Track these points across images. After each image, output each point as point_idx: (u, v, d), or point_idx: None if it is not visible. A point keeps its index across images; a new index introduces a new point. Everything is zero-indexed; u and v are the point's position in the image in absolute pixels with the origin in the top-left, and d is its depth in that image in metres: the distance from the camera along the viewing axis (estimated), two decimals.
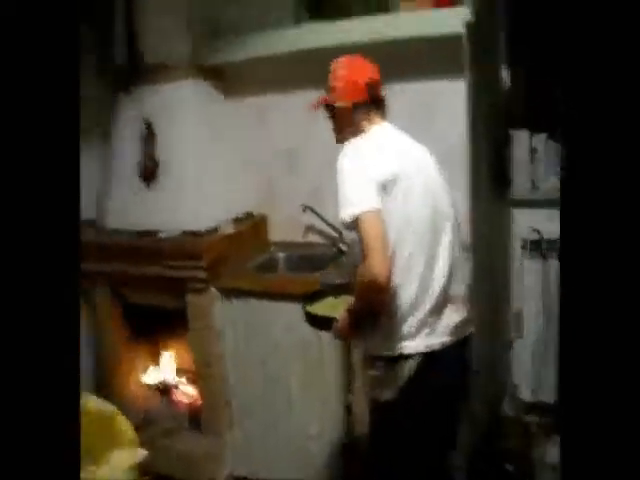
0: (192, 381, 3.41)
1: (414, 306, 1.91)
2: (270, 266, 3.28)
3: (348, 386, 2.82)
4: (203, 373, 3.16)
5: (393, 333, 1.92)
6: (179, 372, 3.58)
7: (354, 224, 1.81)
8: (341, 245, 3.16)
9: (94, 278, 3.37)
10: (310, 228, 3.36)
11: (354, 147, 1.96)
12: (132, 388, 3.58)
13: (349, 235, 2.05)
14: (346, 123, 2.11)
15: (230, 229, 3.15)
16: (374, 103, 2.10)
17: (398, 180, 1.87)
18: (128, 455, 1.73)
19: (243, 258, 3.19)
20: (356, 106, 2.07)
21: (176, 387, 3.54)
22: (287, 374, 2.96)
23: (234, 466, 3.20)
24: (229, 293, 3.04)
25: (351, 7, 2.98)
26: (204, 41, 3.23)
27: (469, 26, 2.32)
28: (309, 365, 2.88)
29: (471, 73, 2.36)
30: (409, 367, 1.91)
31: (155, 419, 3.41)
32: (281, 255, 3.36)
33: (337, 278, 2.71)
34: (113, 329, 3.46)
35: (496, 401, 2.93)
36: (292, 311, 2.82)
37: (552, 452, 2.71)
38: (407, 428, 1.95)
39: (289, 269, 3.31)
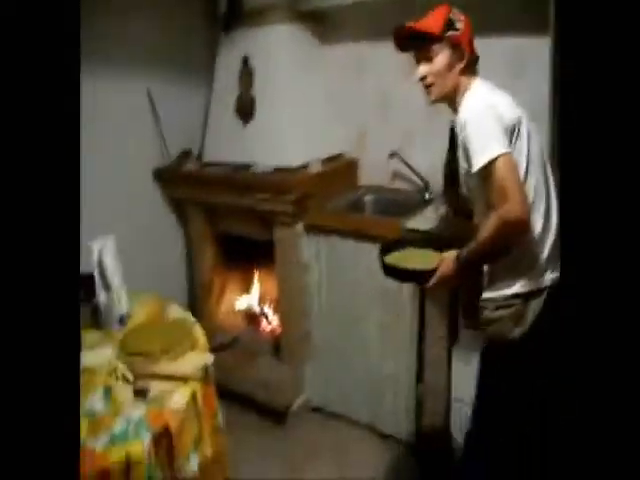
0: (277, 311, 3.55)
1: (543, 241, 1.96)
2: (356, 207, 3.35)
3: (421, 333, 2.90)
4: (286, 304, 3.31)
5: (525, 269, 1.96)
6: (266, 301, 3.75)
7: (489, 169, 1.82)
8: (426, 194, 3.20)
9: (191, 205, 3.57)
10: (397, 174, 3.40)
11: (476, 96, 1.98)
12: (223, 311, 3.80)
13: (470, 182, 2.07)
14: (451, 75, 2.05)
15: (319, 168, 3.21)
16: (474, 57, 2.10)
17: (522, 121, 1.93)
18: (199, 357, 1.94)
19: (331, 197, 3.28)
20: (465, 56, 2.03)
21: (263, 315, 3.72)
22: (366, 314, 3.06)
23: (310, 396, 3.38)
24: (315, 229, 3.15)
25: None
26: None
27: None
28: (387, 309, 2.97)
29: (556, 29, 2.32)
30: (538, 303, 1.96)
31: (241, 343, 3.61)
32: (368, 198, 3.42)
33: (424, 224, 2.76)
34: (206, 253, 3.65)
35: None
36: (374, 253, 2.90)
37: None
38: (532, 366, 2.01)
39: (375, 212, 3.38)
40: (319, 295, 3.21)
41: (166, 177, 3.58)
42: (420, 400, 2.97)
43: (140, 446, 1.55)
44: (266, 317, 3.71)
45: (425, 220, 2.84)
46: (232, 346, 3.56)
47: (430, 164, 3.17)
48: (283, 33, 3.30)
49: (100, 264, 2.19)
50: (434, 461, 2.92)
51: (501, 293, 2.00)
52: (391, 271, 2.23)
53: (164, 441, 1.65)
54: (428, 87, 2.09)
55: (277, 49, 3.32)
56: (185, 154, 3.64)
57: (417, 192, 3.28)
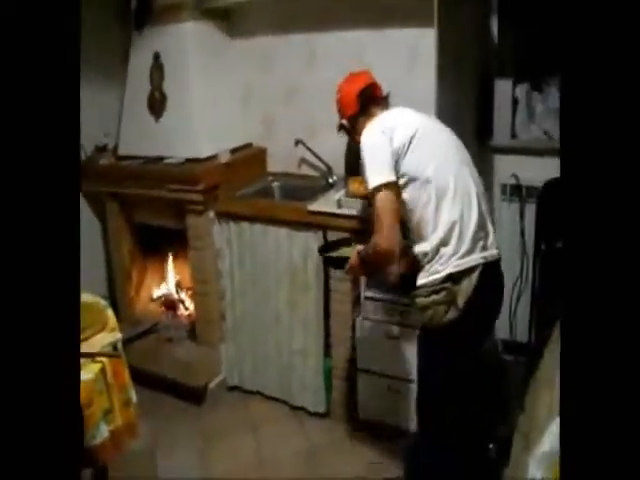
0: (192, 296, 3.70)
1: (464, 227, 2.11)
2: (266, 193, 3.52)
3: (327, 308, 3.10)
4: (201, 289, 3.46)
5: (450, 256, 2.10)
6: (183, 288, 3.89)
7: (373, 195, 2.12)
8: (330, 178, 3.39)
9: (107, 198, 3.68)
10: (304, 161, 3.59)
11: (370, 128, 2.25)
12: (142, 300, 3.93)
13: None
14: (354, 130, 2.42)
15: (228, 158, 3.37)
16: (373, 104, 2.40)
17: (416, 134, 2.16)
18: (109, 336, 2.10)
19: (241, 185, 3.44)
20: (353, 116, 2.41)
21: (180, 301, 3.86)
22: (276, 293, 3.23)
23: (227, 375, 3.54)
24: (225, 216, 3.31)
25: None
26: None
27: None
28: (295, 286, 3.15)
29: (440, 23, 2.51)
30: (468, 284, 2.08)
31: (160, 329, 3.75)
32: (276, 184, 3.60)
33: (325, 206, 2.98)
34: (123, 244, 3.77)
35: None
36: (281, 235, 3.10)
37: None
38: (463, 345, 2.16)
39: (283, 197, 3.56)
40: (231, 278, 3.37)
41: (82, 171, 3.67)
42: (328, 373, 3.17)
43: None
44: (183, 303, 3.84)
45: (326, 202, 3.03)
46: (151, 333, 3.69)
47: (333, 150, 3.38)
48: (191, 29, 3.43)
49: None
50: (344, 429, 3.14)
51: (431, 279, 2.12)
52: (326, 260, 2.63)
53: None
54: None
55: (185, 45, 3.45)
56: (100, 149, 3.75)
57: (322, 177, 3.47)
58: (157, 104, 3.52)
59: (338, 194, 3.03)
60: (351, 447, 3.01)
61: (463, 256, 2.08)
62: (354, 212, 2.85)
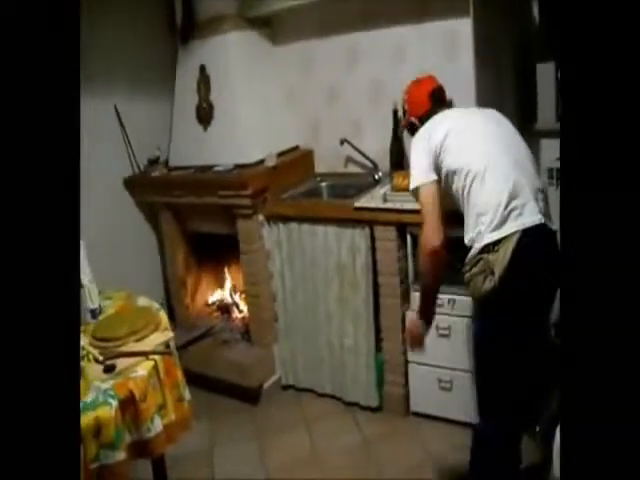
0: (245, 299, 3.76)
1: (493, 202, 2.11)
2: (314, 194, 3.59)
3: (376, 304, 3.14)
4: (253, 291, 3.53)
5: (484, 228, 2.11)
6: (237, 291, 3.97)
7: (416, 194, 2.30)
8: (376, 175, 3.43)
9: (161, 208, 3.80)
10: (350, 159, 3.64)
11: (419, 130, 2.43)
12: (198, 305, 4.03)
13: None
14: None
15: (274, 161, 3.43)
16: (439, 106, 2.52)
17: (449, 133, 2.27)
18: (161, 336, 2.19)
19: (289, 187, 3.51)
20: (424, 116, 2.49)
21: (234, 304, 3.94)
22: (325, 291, 3.28)
23: (281, 375, 3.61)
24: (273, 218, 3.38)
25: None
26: None
27: None
28: (344, 283, 3.19)
29: (476, 11, 2.53)
30: (503, 255, 2.04)
31: (216, 333, 3.83)
32: (324, 184, 3.66)
33: (370, 202, 3.01)
34: (178, 251, 3.87)
35: None
36: (329, 233, 3.16)
37: None
38: (511, 315, 2.12)
39: (331, 196, 3.62)
40: (282, 279, 3.43)
41: (136, 184, 3.81)
42: (380, 367, 3.19)
43: (108, 410, 1.77)
44: (237, 306, 3.92)
45: (372, 198, 3.07)
46: (207, 336, 3.78)
47: (378, 147, 3.44)
48: (234, 39, 3.53)
49: None
50: (397, 422, 3.16)
51: (470, 254, 2.15)
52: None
53: (130, 407, 1.87)
54: None
55: (229, 55, 3.55)
56: (153, 161, 3.87)
57: (368, 174, 3.51)
58: (205, 114, 3.62)
59: (384, 189, 3.06)
60: (404, 440, 3.03)
61: (497, 227, 2.07)
62: (399, 205, 2.88)
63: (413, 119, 2.56)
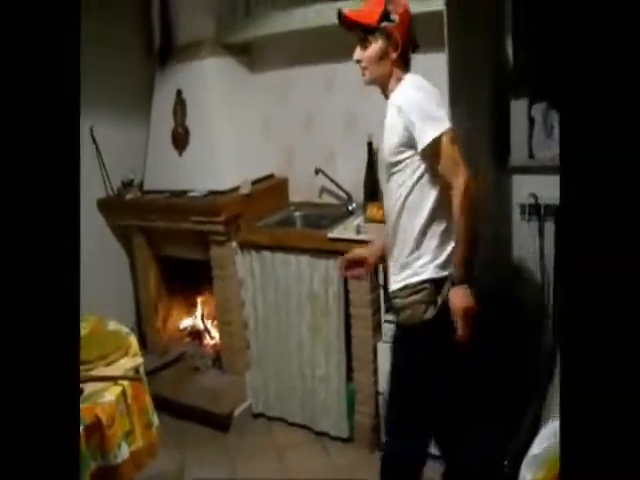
0: (218, 326, 3.75)
1: (448, 232, 2.13)
2: (287, 223, 3.59)
3: (348, 333, 3.14)
4: (225, 318, 3.53)
5: (442, 256, 2.14)
6: (209, 317, 3.96)
7: (436, 145, 2.01)
8: (350, 206, 3.45)
9: (134, 232, 3.79)
10: (324, 189, 3.66)
11: (414, 84, 2.16)
12: (169, 330, 4.01)
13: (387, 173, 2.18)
14: (384, 63, 2.17)
15: (248, 189, 3.44)
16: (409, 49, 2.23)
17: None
18: (132, 361, 2.19)
19: (263, 215, 3.52)
20: (400, 47, 2.15)
21: (206, 330, 3.93)
22: (298, 320, 3.28)
23: (252, 403, 3.57)
24: (247, 246, 3.38)
25: None
26: (227, 21, 3.55)
27: (449, 2, 2.52)
28: (316, 312, 3.19)
29: (450, 46, 2.56)
30: (447, 287, 2.10)
31: (187, 358, 3.81)
32: (297, 214, 3.67)
33: (344, 233, 3.02)
34: (150, 276, 3.85)
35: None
36: (302, 263, 3.17)
37: None
38: (442, 344, 2.13)
39: (304, 226, 3.62)
40: (255, 307, 3.43)
41: (109, 206, 3.80)
42: (351, 398, 3.19)
43: None
44: (209, 333, 3.91)
45: (346, 229, 3.09)
46: (178, 362, 3.76)
47: (352, 178, 3.47)
48: (212, 65, 3.56)
49: None
50: (367, 453, 3.15)
51: (411, 280, 2.14)
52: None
53: (96, 432, 1.86)
54: (362, 71, 2.22)
55: (206, 81, 3.57)
56: (127, 184, 3.86)
57: (342, 205, 3.54)
58: (180, 139, 3.63)
59: (357, 220, 3.09)
60: (374, 470, 3.00)
61: (448, 263, 2.12)
62: (373, 237, 2.89)
63: (398, 39, 2.14)
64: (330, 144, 3.58)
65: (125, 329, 2.49)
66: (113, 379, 2.04)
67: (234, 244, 3.40)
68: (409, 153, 2.09)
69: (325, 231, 3.12)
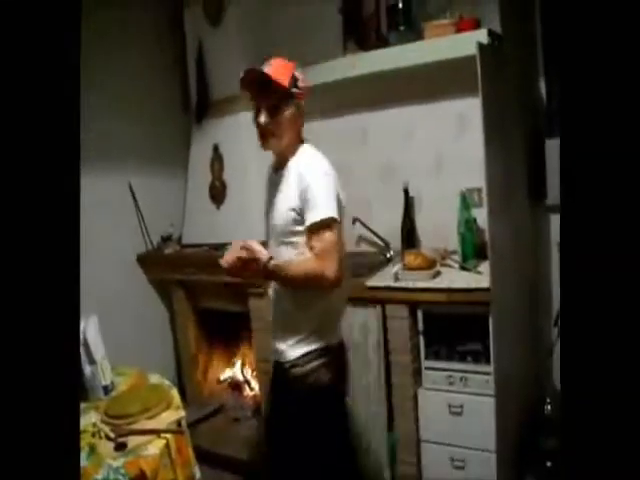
0: (257, 377, 3.75)
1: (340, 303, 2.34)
2: None
3: (388, 382, 3.10)
4: (264, 369, 3.51)
5: (335, 326, 2.32)
6: (247, 369, 3.96)
7: (320, 227, 2.01)
8: (388, 253, 3.46)
9: (173, 285, 3.83)
10: (362, 238, 3.68)
11: (316, 157, 2.21)
12: (209, 381, 4.01)
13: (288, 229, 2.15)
14: (296, 123, 2.21)
15: None
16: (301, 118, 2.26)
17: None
18: (173, 414, 2.18)
19: None
20: (286, 97, 2.15)
21: (245, 382, 3.93)
22: None
23: None
24: None
25: (387, 38, 3.28)
26: None
27: (482, 47, 2.56)
28: (356, 362, 3.15)
29: (484, 89, 2.58)
30: (341, 352, 2.34)
31: (227, 410, 3.81)
32: None
33: (382, 281, 3.01)
34: (189, 328, 3.88)
35: (540, 403, 3.16)
36: None
37: None
38: (339, 406, 2.34)
39: None
40: None
41: (149, 261, 3.86)
42: (392, 447, 3.14)
43: None
44: (248, 384, 3.91)
45: (384, 277, 3.08)
46: (218, 413, 3.76)
47: (389, 226, 3.49)
48: (246, 119, 3.57)
49: (84, 341, 2.43)
50: None
51: (311, 347, 2.21)
52: None
53: None
54: (266, 136, 2.18)
55: (242, 135, 3.63)
56: (165, 239, 3.92)
57: (380, 253, 3.55)
58: (218, 193, 3.70)
59: (395, 268, 3.08)
60: None
61: (338, 329, 2.34)
62: (411, 284, 2.89)
63: (303, 104, 2.20)
64: (366, 193, 3.61)
65: (167, 382, 2.51)
66: (156, 432, 2.05)
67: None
68: (300, 228, 2.10)
69: (363, 279, 3.11)
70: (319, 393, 2.22)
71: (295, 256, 2.13)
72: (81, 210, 3.21)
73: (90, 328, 2.46)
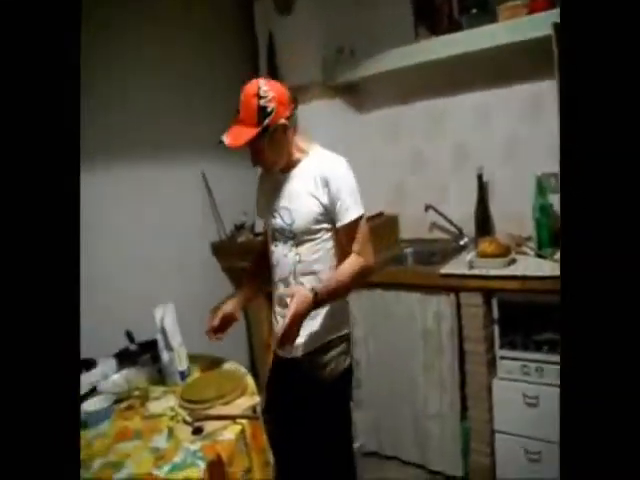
0: None
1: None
2: (399, 260, 3.60)
3: (462, 370, 3.08)
4: None
5: (349, 314, 2.46)
6: None
7: (355, 224, 2.18)
8: (461, 240, 3.42)
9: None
10: (435, 225, 3.64)
11: (341, 160, 2.30)
12: None
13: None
14: (285, 138, 2.22)
15: None
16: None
17: None
18: (248, 400, 2.21)
19: (375, 253, 3.51)
20: (288, 121, 2.20)
21: None
22: (410, 358, 3.25)
23: (364, 441, 3.54)
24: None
25: (460, 22, 3.23)
26: (332, 63, 3.60)
27: (557, 27, 2.49)
28: (429, 350, 3.16)
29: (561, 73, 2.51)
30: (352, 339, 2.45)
31: None
32: (408, 250, 3.68)
33: (457, 269, 2.98)
34: (262, 316, 3.89)
35: None
36: (414, 300, 3.14)
37: None
38: (350, 392, 2.46)
39: (415, 262, 3.62)
40: (366, 345, 3.42)
41: (222, 250, 3.91)
42: (465, 436, 3.11)
43: (196, 471, 1.80)
44: None
45: (458, 265, 3.05)
46: None
47: (462, 212, 3.46)
48: (319, 108, 3.62)
49: (162, 328, 2.49)
50: None
51: (333, 336, 2.30)
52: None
53: (217, 470, 1.88)
54: (267, 167, 2.30)
55: (315, 123, 3.62)
56: (239, 227, 3.97)
57: (453, 240, 3.52)
58: None
59: (469, 255, 3.04)
60: None
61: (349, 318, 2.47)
62: (485, 272, 2.85)
63: (284, 121, 2.16)
64: (440, 179, 3.58)
65: (242, 369, 2.53)
66: (232, 418, 2.07)
67: None
68: (326, 225, 2.21)
69: (437, 267, 3.09)
70: (339, 379, 2.32)
71: (314, 254, 2.24)
72: (156, 199, 3.36)
73: (168, 316, 2.51)
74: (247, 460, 2.03)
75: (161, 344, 2.48)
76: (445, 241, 3.59)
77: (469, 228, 3.40)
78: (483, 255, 2.94)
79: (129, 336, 2.85)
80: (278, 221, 2.28)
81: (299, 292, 2.08)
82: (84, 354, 2.66)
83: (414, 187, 3.73)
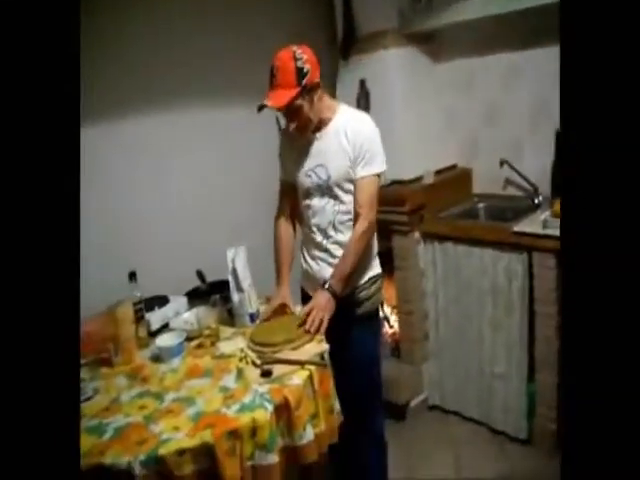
0: (398, 314, 3.75)
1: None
2: (470, 215, 3.55)
3: (531, 332, 3.04)
4: (405, 309, 3.54)
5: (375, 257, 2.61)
6: (388, 306, 3.97)
7: (371, 179, 2.36)
8: (536, 199, 3.34)
9: None
10: (509, 181, 3.57)
11: (359, 111, 2.51)
12: None
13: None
14: (320, 101, 2.33)
15: (432, 179, 3.43)
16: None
17: None
18: (316, 347, 2.23)
19: (446, 206, 3.50)
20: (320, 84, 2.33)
21: (385, 319, 3.95)
22: (479, 314, 3.24)
23: (428, 394, 3.58)
24: (429, 237, 3.38)
25: None
26: (409, 11, 3.51)
27: None
28: (498, 308, 3.13)
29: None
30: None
31: None
32: (481, 205, 3.62)
33: (530, 227, 2.93)
34: None
35: None
36: (485, 256, 3.11)
37: None
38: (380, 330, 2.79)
39: (488, 218, 3.57)
40: (436, 298, 3.42)
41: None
42: (531, 398, 3.09)
43: (264, 413, 1.84)
44: (388, 321, 3.93)
45: (531, 223, 2.99)
46: None
47: (538, 170, 3.35)
48: (395, 55, 3.55)
49: (233, 270, 2.52)
50: (546, 457, 3.02)
51: (372, 274, 2.54)
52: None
53: (284, 413, 1.92)
54: (301, 130, 2.35)
55: (390, 71, 3.58)
56: None
57: (527, 197, 3.43)
58: None
59: (544, 215, 2.98)
60: (553, 478, 2.91)
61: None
62: (559, 233, 2.79)
63: (318, 80, 2.30)
64: (516, 134, 3.48)
65: None
66: (300, 363, 2.10)
67: (417, 234, 3.40)
68: (349, 183, 2.37)
69: (510, 224, 3.04)
70: (377, 311, 2.64)
71: (351, 204, 2.42)
72: (234, 150, 3.36)
73: (239, 258, 2.55)
74: (313, 406, 2.06)
75: (232, 285, 2.52)
76: (519, 198, 3.50)
77: (545, 187, 3.31)
78: (558, 215, 2.87)
79: (200, 276, 2.89)
80: (314, 179, 2.40)
81: (317, 303, 2.32)
82: (157, 291, 2.73)
83: (489, 141, 3.64)
